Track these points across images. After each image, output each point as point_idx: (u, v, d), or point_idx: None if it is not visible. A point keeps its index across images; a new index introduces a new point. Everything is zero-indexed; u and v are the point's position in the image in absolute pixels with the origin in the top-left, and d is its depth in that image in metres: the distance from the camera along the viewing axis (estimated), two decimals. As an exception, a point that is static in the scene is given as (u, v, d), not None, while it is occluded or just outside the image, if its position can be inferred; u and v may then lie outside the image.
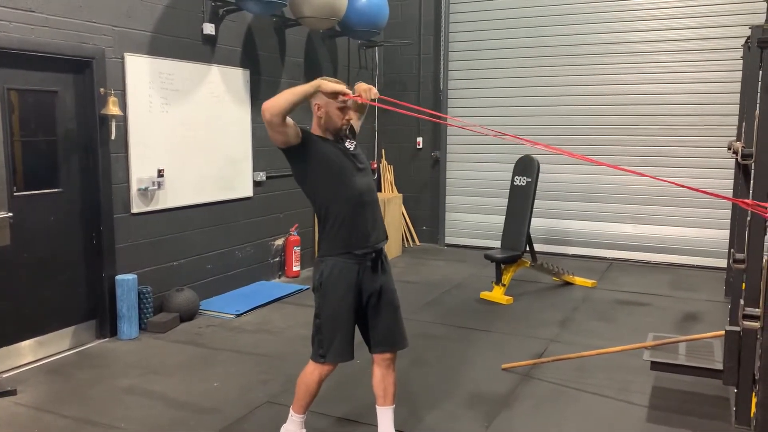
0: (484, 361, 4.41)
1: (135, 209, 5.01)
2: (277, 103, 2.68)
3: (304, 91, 2.75)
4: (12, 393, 3.82)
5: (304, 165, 2.87)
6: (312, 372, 3.00)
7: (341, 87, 2.82)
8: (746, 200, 2.78)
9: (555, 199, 7.73)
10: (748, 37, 4.74)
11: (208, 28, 5.60)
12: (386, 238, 3.05)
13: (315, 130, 2.94)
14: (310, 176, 2.89)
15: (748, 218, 3.21)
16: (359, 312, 2.98)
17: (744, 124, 4.34)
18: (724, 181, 6.56)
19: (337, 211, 2.88)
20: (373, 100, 2.88)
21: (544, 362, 4.30)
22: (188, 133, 5.48)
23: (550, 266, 6.36)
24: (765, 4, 2.79)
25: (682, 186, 3.00)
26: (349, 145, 3.00)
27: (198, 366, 4.33)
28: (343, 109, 2.90)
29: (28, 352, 4.37)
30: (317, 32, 7.00)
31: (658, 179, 3.25)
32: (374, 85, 8.38)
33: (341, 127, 2.93)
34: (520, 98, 7.86)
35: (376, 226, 2.98)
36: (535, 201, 6.21)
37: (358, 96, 2.86)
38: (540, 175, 6.21)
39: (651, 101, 7.24)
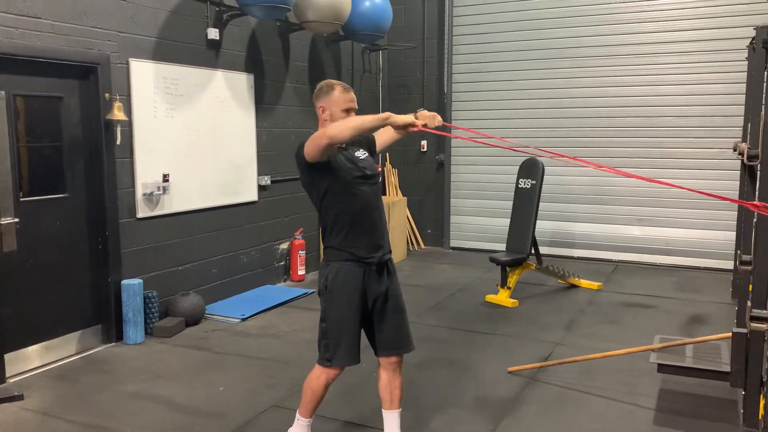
0: (490, 364, 4.40)
1: (140, 214, 5.03)
2: (342, 132, 2.68)
3: (372, 124, 2.74)
4: (19, 398, 3.82)
5: (316, 174, 2.87)
6: (318, 376, 3.00)
7: (410, 119, 2.80)
8: (753, 202, 2.76)
9: (560, 201, 7.71)
10: (753, 38, 4.73)
11: (213, 33, 5.61)
12: (390, 250, 3.05)
13: None
14: (319, 184, 2.89)
15: (755, 220, 3.20)
16: (365, 315, 2.98)
17: (749, 125, 4.33)
18: (730, 183, 6.54)
19: (343, 218, 2.88)
20: (438, 128, 2.86)
21: (550, 365, 4.29)
22: (193, 138, 5.49)
23: (555, 269, 6.35)
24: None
25: (687, 189, 2.99)
26: (360, 153, 3.00)
27: (203, 370, 4.33)
28: (348, 112, 2.90)
29: (34, 357, 4.38)
30: (321, 36, 7.02)
31: (662, 183, 3.24)
32: (378, 89, 8.51)
33: None
34: (524, 101, 7.85)
35: (383, 234, 2.99)
36: (540, 203, 6.20)
37: (424, 125, 2.83)
38: (545, 177, 6.21)
39: (656, 103, 7.22)
